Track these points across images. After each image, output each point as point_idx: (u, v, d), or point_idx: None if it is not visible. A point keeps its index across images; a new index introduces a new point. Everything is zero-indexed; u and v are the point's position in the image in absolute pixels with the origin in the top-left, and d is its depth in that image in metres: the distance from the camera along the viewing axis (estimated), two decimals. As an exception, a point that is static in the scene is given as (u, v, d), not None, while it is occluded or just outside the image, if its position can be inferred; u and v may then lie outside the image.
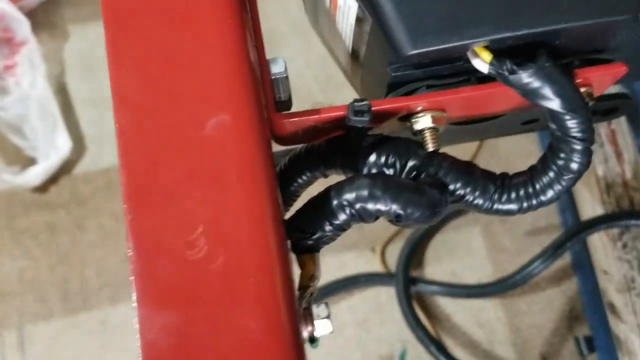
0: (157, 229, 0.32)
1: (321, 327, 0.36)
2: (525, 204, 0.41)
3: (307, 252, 0.40)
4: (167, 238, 0.32)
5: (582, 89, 0.41)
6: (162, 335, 0.31)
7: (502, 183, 0.41)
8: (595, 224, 1.04)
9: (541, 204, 0.41)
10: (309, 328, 0.36)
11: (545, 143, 1.20)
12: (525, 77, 0.37)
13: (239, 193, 0.33)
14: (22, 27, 1.14)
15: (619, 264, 1.05)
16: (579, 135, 0.38)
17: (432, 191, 0.38)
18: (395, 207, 0.37)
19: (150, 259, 0.32)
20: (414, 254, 1.16)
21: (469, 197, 0.40)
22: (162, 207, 0.33)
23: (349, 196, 0.38)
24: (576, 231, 1.04)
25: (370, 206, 0.37)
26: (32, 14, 1.17)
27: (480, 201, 0.40)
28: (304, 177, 0.44)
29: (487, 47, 0.37)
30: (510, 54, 0.37)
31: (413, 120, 0.41)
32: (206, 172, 0.33)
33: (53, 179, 1.16)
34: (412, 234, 1.16)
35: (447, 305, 1.16)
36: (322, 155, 0.43)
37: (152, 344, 0.31)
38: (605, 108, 0.61)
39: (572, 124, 0.38)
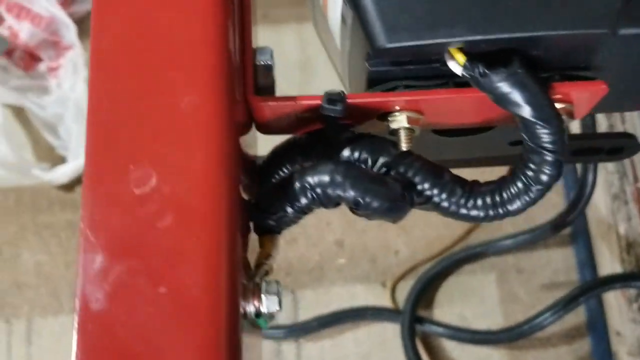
0: (112, 182, 0.34)
1: (268, 302, 0.36)
2: (491, 212, 0.41)
3: (268, 234, 0.40)
4: (120, 191, 0.33)
5: (561, 105, 0.41)
6: (102, 282, 0.32)
7: (471, 189, 0.41)
8: (611, 281, 1.01)
9: (507, 214, 0.41)
10: (256, 303, 0.37)
11: (570, 188, 1.18)
12: (496, 81, 0.37)
13: (198, 161, 0.34)
14: (70, 32, 1.19)
15: (633, 327, 1.02)
16: (549, 146, 0.38)
17: (395, 185, 0.39)
18: (353, 194, 0.38)
19: (101, 208, 0.33)
20: (425, 292, 1.14)
21: (436, 199, 0.41)
22: (120, 163, 0.34)
23: (311, 180, 0.38)
24: (590, 287, 1.02)
25: (330, 191, 0.38)
26: (81, 22, 1.23)
27: (446, 204, 0.41)
28: (284, 170, 0.44)
29: (462, 50, 0.38)
30: (487, 59, 0.38)
31: (390, 118, 0.41)
32: (168, 137, 0.35)
33: (80, 180, 1.19)
34: (425, 273, 1.15)
35: (454, 349, 1.13)
36: (301, 147, 0.43)
37: (90, 290, 0.32)
38: (609, 147, 0.61)
39: (543, 133, 0.38)
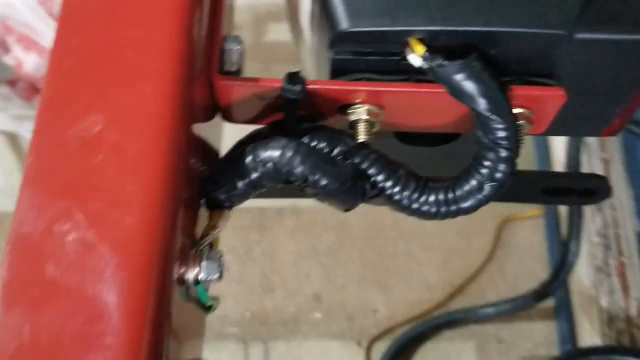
0: (60, 126, 0.34)
1: (208, 269, 0.36)
2: (443, 209, 0.40)
3: (219, 208, 0.40)
4: (66, 135, 0.34)
5: (520, 110, 0.42)
6: (37, 219, 0.32)
7: (425, 184, 0.41)
8: (589, 354, 0.99)
9: (459, 212, 0.40)
10: (197, 270, 0.36)
11: (554, 261, 1.17)
12: (452, 72, 0.38)
13: (147, 113, 0.35)
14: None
15: (611, 404, 0.99)
16: (504, 142, 0.39)
17: (346, 167, 0.39)
18: (302, 170, 0.38)
19: (46, 150, 0.33)
20: (401, 355, 1.12)
21: (389, 192, 0.41)
22: (71, 109, 0.34)
23: (262, 154, 0.39)
24: (568, 358, 0.99)
25: (280, 166, 0.38)
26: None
27: (398, 197, 0.41)
28: None
29: (423, 42, 0.39)
30: (446, 54, 0.39)
31: (350, 111, 0.42)
32: (122, 91, 0.35)
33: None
34: (403, 335, 1.12)
35: (426, 417, 1.10)
36: (264, 139, 0.44)
37: (25, 226, 0.32)
38: (582, 188, 0.61)
39: (497, 129, 0.38)
